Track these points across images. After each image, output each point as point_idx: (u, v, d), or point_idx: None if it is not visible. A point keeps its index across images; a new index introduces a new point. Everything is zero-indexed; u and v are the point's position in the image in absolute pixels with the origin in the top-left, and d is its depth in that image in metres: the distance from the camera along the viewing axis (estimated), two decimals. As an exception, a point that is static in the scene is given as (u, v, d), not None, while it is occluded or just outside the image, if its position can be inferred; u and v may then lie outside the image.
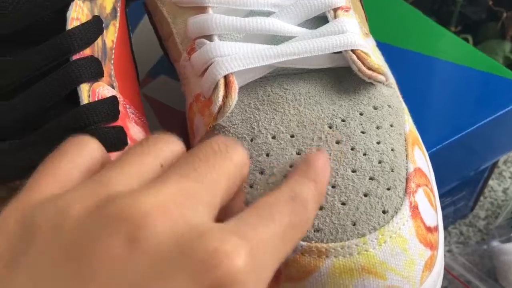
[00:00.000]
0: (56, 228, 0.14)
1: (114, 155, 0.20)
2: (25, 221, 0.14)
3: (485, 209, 0.42)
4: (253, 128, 0.22)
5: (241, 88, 0.23)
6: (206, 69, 0.23)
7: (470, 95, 0.33)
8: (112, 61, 0.23)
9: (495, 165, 0.40)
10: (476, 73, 0.34)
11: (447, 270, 0.37)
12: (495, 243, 0.37)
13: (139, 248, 0.13)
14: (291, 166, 0.21)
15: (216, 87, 0.22)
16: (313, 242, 0.19)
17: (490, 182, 0.43)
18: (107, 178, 0.15)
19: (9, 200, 0.15)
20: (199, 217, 0.14)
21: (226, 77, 0.22)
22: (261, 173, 0.21)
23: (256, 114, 0.23)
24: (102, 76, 0.22)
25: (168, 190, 0.14)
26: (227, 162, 0.16)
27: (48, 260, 0.13)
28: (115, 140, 0.21)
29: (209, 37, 0.24)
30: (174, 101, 0.34)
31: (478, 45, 0.47)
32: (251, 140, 0.22)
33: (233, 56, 0.22)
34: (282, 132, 0.22)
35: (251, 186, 0.21)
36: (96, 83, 0.21)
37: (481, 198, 0.42)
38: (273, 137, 0.22)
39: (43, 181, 0.15)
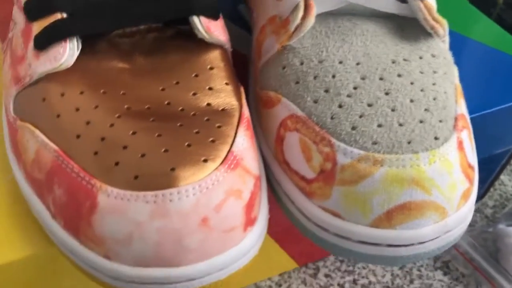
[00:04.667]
0: None
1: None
2: None
3: (493, 199, 0.44)
4: (322, 52, 0.24)
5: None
6: (287, -8, 0.25)
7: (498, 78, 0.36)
8: None
9: (511, 157, 0.42)
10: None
11: (452, 246, 0.39)
12: (501, 226, 0.39)
13: None
14: (355, 88, 0.23)
15: (295, 8, 0.24)
16: (370, 152, 0.21)
17: (501, 176, 0.45)
18: None
19: None
20: None
21: (306, 1, 0.24)
22: (326, 91, 0.23)
23: (326, 41, 0.25)
24: None
25: None
26: None
27: None
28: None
29: (292, -35, 0.25)
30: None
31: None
32: (319, 62, 0.24)
33: None
34: (349, 59, 0.24)
35: (315, 102, 0.23)
36: None
37: (491, 189, 0.45)
38: (340, 62, 0.24)
39: None
